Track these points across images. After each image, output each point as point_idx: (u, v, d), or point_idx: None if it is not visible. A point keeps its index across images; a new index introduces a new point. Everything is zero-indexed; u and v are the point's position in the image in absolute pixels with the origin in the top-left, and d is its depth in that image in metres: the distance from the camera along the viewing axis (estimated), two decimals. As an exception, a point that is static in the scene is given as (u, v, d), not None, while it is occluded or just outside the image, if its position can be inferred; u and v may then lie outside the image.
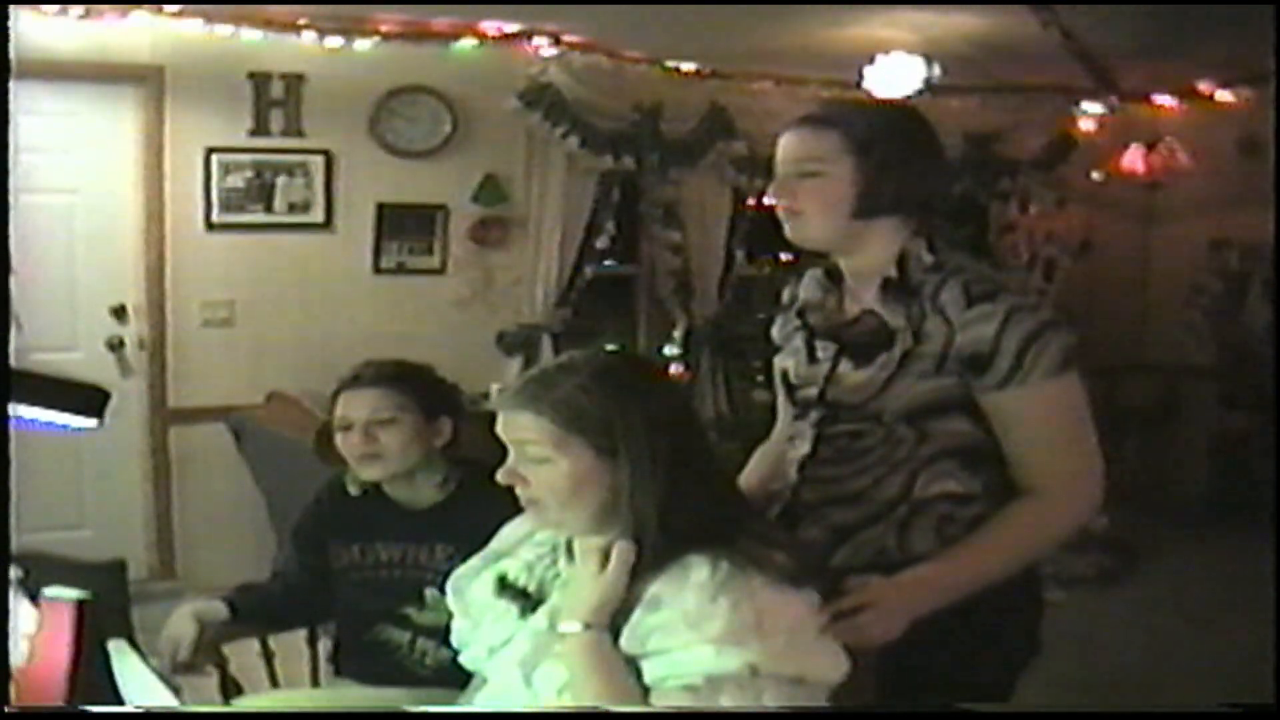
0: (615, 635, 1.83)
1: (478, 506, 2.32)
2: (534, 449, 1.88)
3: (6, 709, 1.94)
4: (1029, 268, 7.95)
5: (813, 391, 2.32)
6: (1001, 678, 2.30)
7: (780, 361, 2.46)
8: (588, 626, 1.83)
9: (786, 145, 2.28)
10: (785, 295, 2.51)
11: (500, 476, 1.93)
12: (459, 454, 2.85)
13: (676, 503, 1.84)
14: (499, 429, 1.92)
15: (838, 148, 2.21)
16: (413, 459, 2.79)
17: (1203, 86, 7.22)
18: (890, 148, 2.21)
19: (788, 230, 2.30)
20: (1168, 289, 8.07)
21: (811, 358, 2.34)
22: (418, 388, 2.83)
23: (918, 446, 2.20)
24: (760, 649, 1.74)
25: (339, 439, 2.82)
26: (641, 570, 1.85)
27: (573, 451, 1.86)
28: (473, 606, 2.08)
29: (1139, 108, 7.47)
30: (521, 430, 1.89)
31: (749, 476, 2.55)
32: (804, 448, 2.33)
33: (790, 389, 2.39)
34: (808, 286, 2.43)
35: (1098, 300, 7.99)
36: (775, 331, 2.51)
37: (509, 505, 1.98)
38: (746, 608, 1.75)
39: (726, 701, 1.74)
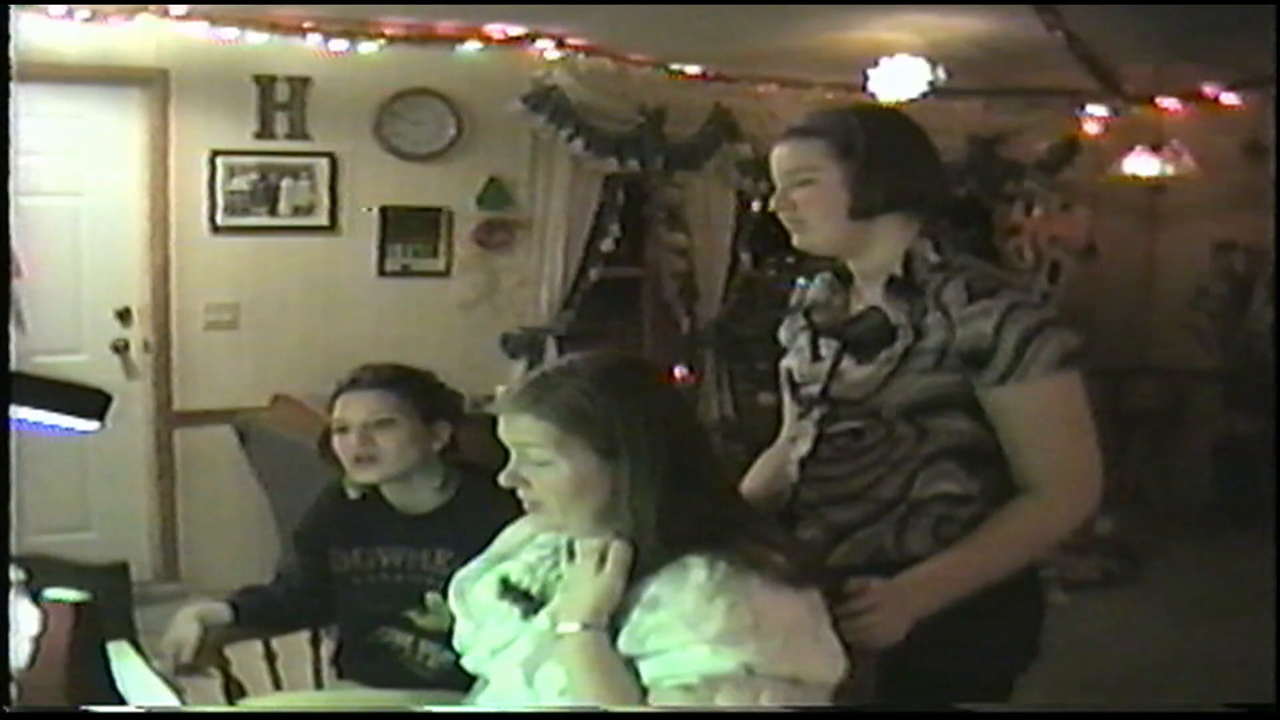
0: (615, 636, 1.84)
1: (477, 511, 2.32)
2: (536, 452, 1.89)
3: (7, 709, 1.94)
4: (1034, 271, 7.94)
5: (815, 389, 2.34)
6: (999, 680, 2.31)
7: (785, 362, 2.49)
8: (586, 627, 1.84)
9: (778, 159, 2.33)
10: (794, 298, 2.54)
11: (503, 480, 1.93)
12: (457, 458, 2.86)
13: (676, 504, 1.85)
14: (501, 432, 1.93)
15: (824, 154, 2.25)
16: (409, 462, 2.79)
17: (1208, 89, 7.21)
18: (873, 148, 2.24)
19: (796, 240, 2.34)
20: (1173, 292, 8.05)
21: (815, 355, 2.37)
22: (415, 391, 2.83)
23: (917, 445, 2.22)
24: (757, 649, 1.74)
25: (336, 441, 2.82)
26: (641, 571, 1.86)
27: (574, 454, 1.87)
28: (475, 609, 2.09)
29: (1144, 110, 7.46)
30: (523, 433, 1.90)
31: (754, 480, 2.56)
32: (805, 447, 2.35)
33: (794, 387, 2.41)
34: (815, 287, 2.46)
35: (1103, 303, 7.98)
36: (783, 333, 2.54)
37: (508, 509, 1.99)
38: (744, 608, 1.76)
39: (723, 701, 1.74)
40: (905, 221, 2.28)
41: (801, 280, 2.54)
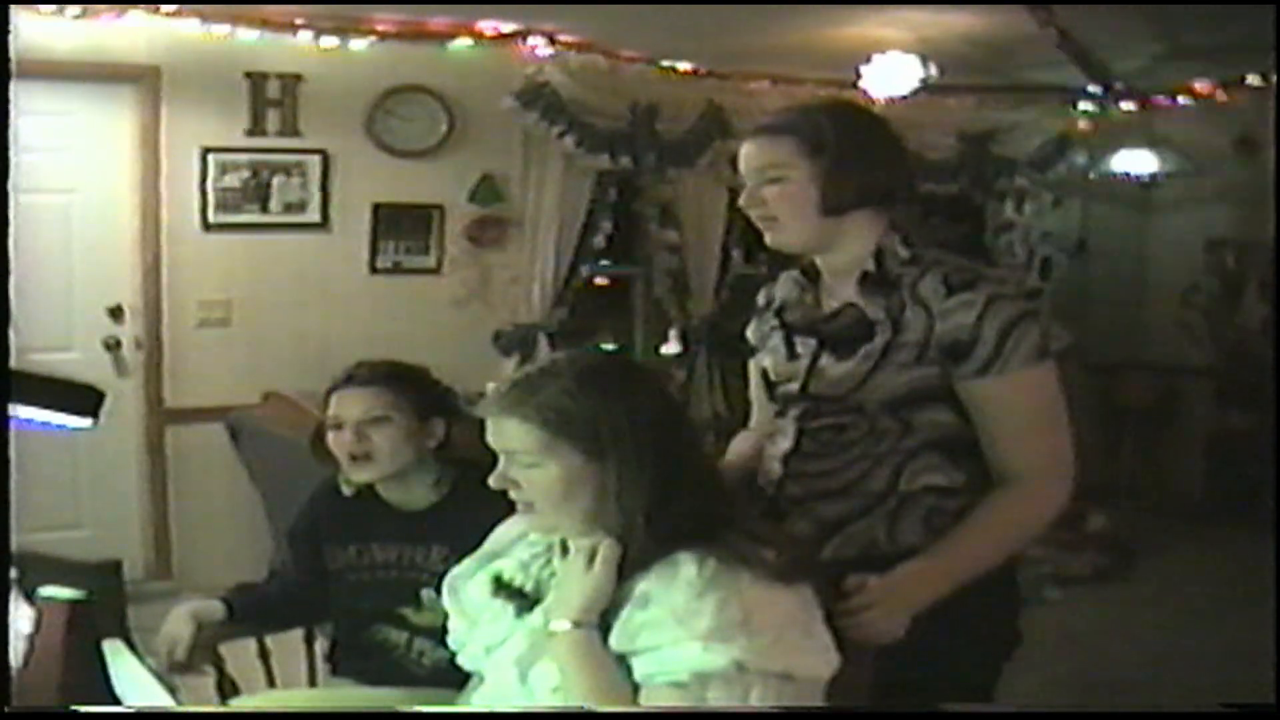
0: (607, 633, 1.84)
1: (472, 508, 2.32)
2: (523, 454, 1.89)
3: (6, 709, 1.93)
4: (1026, 267, 7.95)
5: (793, 387, 2.35)
6: (986, 670, 2.33)
7: (758, 361, 2.51)
8: (577, 625, 1.84)
9: (747, 156, 2.34)
10: (761, 297, 2.56)
11: (492, 481, 1.94)
12: (452, 455, 2.85)
13: (665, 501, 1.85)
14: (488, 436, 1.93)
15: (793, 152, 2.26)
16: (404, 459, 2.79)
17: (1199, 86, 7.22)
18: (842, 145, 2.25)
19: (768, 238, 2.36)
20: (1164, 288, 8.07)
21: (791, 354, 2.38)
22: (411, 388, 2.83)
23: (901, 438, 2.24)
24: (747, 645, 1.75)
25: (330, 438, 2.81)
26: (631, 568, 1.86)
27: (561, 455, 1.87)
28: (469, 607, 2.09)
29: (1135, 107, 7.47)
30: (509, 436, 1.90)
31: (728, 460, 2.57)
32: (785, 443, 2.36)
33: (770, 386, 2.42)
34: (784, 286, 2.49)
35: (1094, 299, 8.00)
36: (751, 333, 2.57)
37: (503, 506, 1.99)
38: (734, 605, 1.76)
39: (714, 698, 1.75)
40: (874, 217, 2.29)
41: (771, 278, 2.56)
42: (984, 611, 2.23)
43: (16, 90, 3.36)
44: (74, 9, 5.40)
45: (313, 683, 3.04)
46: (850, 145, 2.26)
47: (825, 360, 2.30)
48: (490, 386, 1.91)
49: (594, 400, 1.88)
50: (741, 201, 2.35)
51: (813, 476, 2.31)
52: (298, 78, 5.94)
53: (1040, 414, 2.22)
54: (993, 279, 2.24)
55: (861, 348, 2.24)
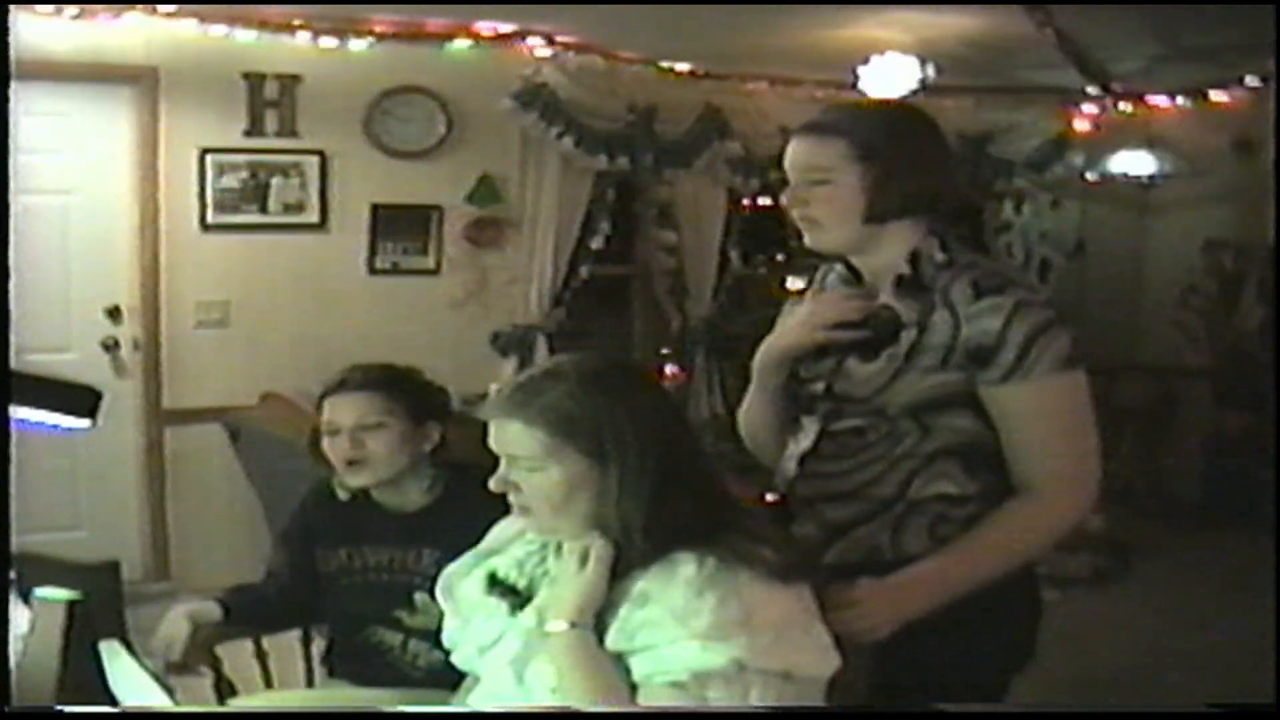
0: (605, 632, 1.84)
1: (465, 511, 2.32)
2: (525, 458, 1.88)
3: (6, 709, 1.93)
4: (1024, 268, 7.95)
5: (819, 386, 2.31)
6: (995, 680, 2.30)
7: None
8: (573, 625, 1.84)
9: (794, 154, 2.28)
10: (808, 281, 2.51)
11: (493, 485, 1.93)
12: (446, 458, 2.85)
13: (665, 503, 1.85)
14: (490, 439, 1.92)
15: (843, 155, 2.21)
16: (400, 464, 2.78)
17: (1197, 86, 7.23)
18: (895, 152, 2.21)
19: (807, 239, 2.31)
20: (1162, 289, 8.07)
21: (820, 352, 2.33)
22: (405, 392, 2.82)
23: (920, 443, 2.20)
24: (746, 644, 1.74)
25: (326, 443, 2.81)
26: (630, 567, 1.85)
27: (564, 459, 1.86)
28: (463, 605, 2.08)
29: (1133, 108, 7.47)
30: (512, 440, 1.90)
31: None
32: (806, 443, 2.33)
33: (799, 383, 2.38)
34: (824, 280, 2.44)
35: (1092, 300, 8.00)
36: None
37: (496, 509, 1.99)
38: (733, 603, 1.76)
39: (713, 697, 1.74)
40: (915, 222, 2.25)
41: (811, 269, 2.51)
42: (1000, 622, 2.21)
43: (15, 91, 3.35)
44: (72, 10, 5.40)
45: (309, 684, 3.04)
46: (901, 152, 2.22)
47: (852, 361, 2.26)
48: (492, 389, 1.92)
49: (598, 403, 1.87)
50: (784, 200, 2.31)
51: (826, 478, 2.29)
52: (296, 78, 5.94)
53: (1063, 424, 2.18)
54: (1023, 285, 2.21)
55: (888, 349, 2.20)
